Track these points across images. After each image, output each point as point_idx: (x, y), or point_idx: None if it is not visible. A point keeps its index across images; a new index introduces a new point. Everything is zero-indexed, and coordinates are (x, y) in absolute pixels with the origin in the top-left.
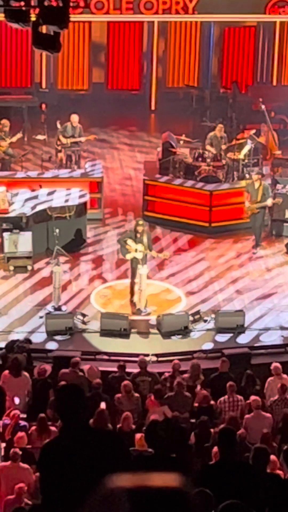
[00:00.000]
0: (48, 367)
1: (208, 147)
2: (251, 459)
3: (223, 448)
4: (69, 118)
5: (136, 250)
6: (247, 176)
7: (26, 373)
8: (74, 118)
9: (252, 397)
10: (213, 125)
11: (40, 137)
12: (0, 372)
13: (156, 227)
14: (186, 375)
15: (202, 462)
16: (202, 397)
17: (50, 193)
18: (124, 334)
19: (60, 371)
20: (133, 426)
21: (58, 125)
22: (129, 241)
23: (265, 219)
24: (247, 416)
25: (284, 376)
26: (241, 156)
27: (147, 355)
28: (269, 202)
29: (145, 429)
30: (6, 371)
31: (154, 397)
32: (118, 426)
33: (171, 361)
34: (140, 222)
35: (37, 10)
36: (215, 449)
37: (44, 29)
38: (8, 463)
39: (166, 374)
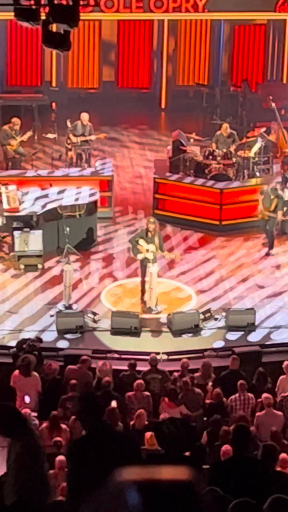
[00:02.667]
0: (56, 365)
1: (213, 145)
2: (260, 456)
3: (237, 445)
4: (79, 116)
5: (147, 251)
6: (257, 174)
7: (35, 373)
8: (84, 116)
9: (264, 395)
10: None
11: (50, 135)
12: (11, 370)
13: (166, 225)
14: (197, 374)
15: (213, 460)
16: (215, 394)
17: (60, 192)
18: (134, 332)
19: (66, 368)
20: (146, 422)
21: (68, 124)
22: (141, 241)
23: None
24: (258, 413)
25: None
26: (251, 154)
27: (158, 353)
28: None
29: (155, 428)
30: (16, 371)
31: (169, 399)
32: (131, 423)
33: (181, 359)
34: (152, 221)
35: (47, 9)
36: (224, 447)
37: (54, 27)
38: None
39: (176, 374)
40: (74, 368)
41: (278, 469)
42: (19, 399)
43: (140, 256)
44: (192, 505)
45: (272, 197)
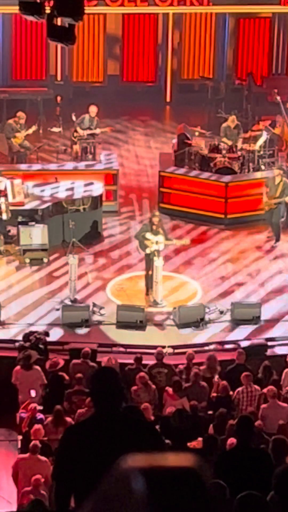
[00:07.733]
0: (61, 360)
1: (224, 139)
2: (271, 450)
3: (241, 436)
4: (85, 110)
5: (156, 242)
6: (262, 167)
7: (37, 367)
8: (93, 109)
9: (268, 387)
10: (228, 116)
11: (55, 129)
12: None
13: (171, 219)
14: (203, 367)
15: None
16: (221, 388)
17: (65, 186)
18: (140, 326)
19: (71, 362)
20: (152, 418)
21: (73, 118)
22: (148, 235)
23: (282, 210)
24: (263, 406)
25: None
26: (257, 147)
27: (164, 347)
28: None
29: (160, 421)
30: (18, 366)
31: (172, 390)
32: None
33: (187, 352)
34: (156, 214)
35: (51, 2)
36: (230, 440)
37: (59, 21)
38: (27, 455)
39: (181, 367)
40: (78, 363)
41: None
42: (22, 394)
43: (149, 250)
44: (198, 492)
45: (277, 181)
